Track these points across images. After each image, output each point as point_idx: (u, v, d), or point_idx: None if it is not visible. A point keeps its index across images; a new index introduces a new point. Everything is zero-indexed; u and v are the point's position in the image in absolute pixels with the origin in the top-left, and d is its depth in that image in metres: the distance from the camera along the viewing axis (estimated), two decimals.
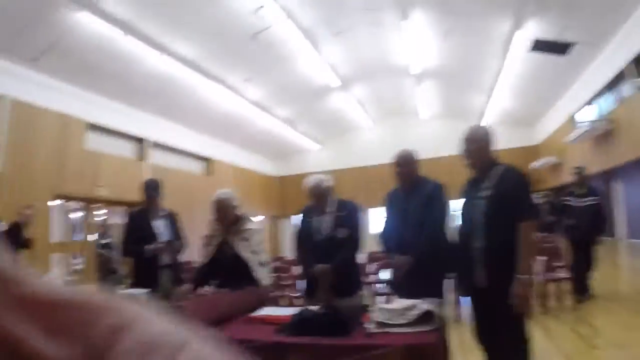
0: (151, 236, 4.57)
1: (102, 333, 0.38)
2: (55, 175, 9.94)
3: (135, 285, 4.23)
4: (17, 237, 5.68)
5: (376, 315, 2.54)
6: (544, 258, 7.30)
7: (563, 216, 7.22)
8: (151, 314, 0.41)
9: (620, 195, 15.84)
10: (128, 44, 10.09)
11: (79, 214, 12.04)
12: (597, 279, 7.15)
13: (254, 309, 3.12)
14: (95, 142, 11.52)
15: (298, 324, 2.52)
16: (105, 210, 12.79)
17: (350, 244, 3.83)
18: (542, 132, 19.40)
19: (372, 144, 20.31)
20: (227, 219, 3.84)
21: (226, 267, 3.66)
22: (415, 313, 2.44)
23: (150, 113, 13.52)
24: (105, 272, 10.13)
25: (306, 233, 3.97)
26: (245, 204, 4.10)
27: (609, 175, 15.53)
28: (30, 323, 0.38)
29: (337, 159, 20.84)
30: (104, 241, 10.72)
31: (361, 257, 7.70)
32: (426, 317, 2.44)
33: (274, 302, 4.93)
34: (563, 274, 6.97)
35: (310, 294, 3.82)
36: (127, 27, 9.59)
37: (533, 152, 19.55)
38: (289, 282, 7.70)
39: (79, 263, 11.02)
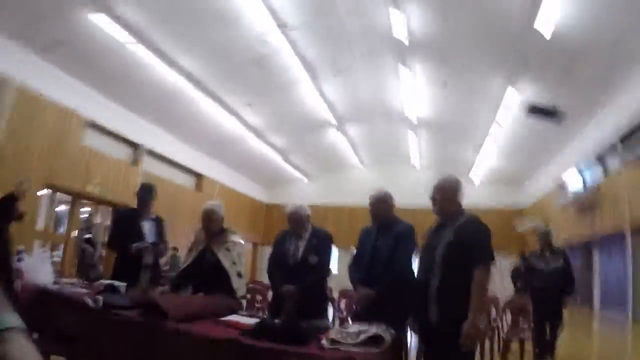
0: (138, 235, 4.82)
1: None
2: (49, 165, 10.12)
3: (115, 279, 4.43)
4: (11, 208, 5.81)
5: (332, 334, 2.75)
6: (510, 316, 7.56)
7: (529, 279, 7.29)
8: None
9: (596, 266, 16.10)
10: (138, 51, 10.48)
11: (66, 208, 12.18)
12: (564, 342, 7.24)
13: (223, 314, 3.33)
14: (92, 140, 11.75)
15: (259, 330, 2.74)
16: (91, 208, 12.96)
17: (319, 270, 4.08)
18: (530, 194, 19.80)
19: (360, 184, 20.23)
20: (213, 228, 4.10)
21: (206, 273, 3.90)
22: (366, 335, 2.66)
23: (149, 121, 13.82)
24: (85, 266, 10.27)
25: (280, 255, 4.23)
26: (230, 225, 4.37)
27: (588, 245, 15.85)
28: None
29: (325, 194, 21.13)
30: (86, 236, 10.87)
31: (332, 291, 7.96)
32: (376, 340, 2.66)
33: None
34: (527, 333, 7.07)
35: (276, 312, 4.03)
36: (139, 35, 9.98)
37: (518, 214, 19.89)
38: (263, 305, 7.85)
39: (58, 255, 11.11)
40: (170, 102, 13.11)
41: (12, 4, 8.49)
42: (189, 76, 12.03)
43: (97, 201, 12.59)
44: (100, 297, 3.32)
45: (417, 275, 3.46)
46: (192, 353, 2.75)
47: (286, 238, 4.28)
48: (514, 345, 7.48)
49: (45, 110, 10.05)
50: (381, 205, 4.07)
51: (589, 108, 12.26)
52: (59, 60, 10.11)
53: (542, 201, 17.96)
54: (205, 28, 10.51)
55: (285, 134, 17.26)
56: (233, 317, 3.33)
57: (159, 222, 5.17)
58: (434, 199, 3.47)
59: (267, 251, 20.89)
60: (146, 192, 5.11)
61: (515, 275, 12.36)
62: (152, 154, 14.48)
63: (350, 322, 4.47)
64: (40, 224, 10.68)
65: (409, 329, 3.96)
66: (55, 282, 4.21)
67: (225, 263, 3.91)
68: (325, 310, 4.19)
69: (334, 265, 14.16)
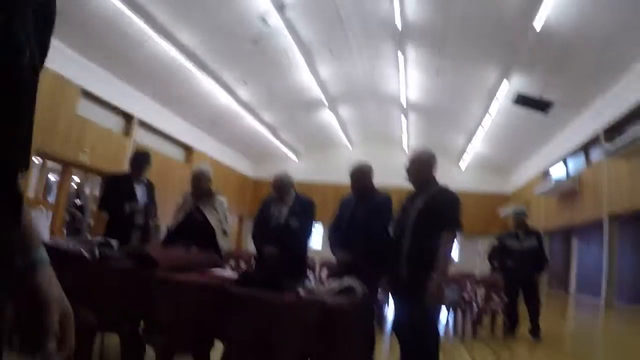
0: (131, 197, 5.07)
1: None
2: (42, 132, 10.20)
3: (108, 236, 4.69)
4: None
5: (308, 286, 3.05)
6: (483, 289, 7.95)
7: (503, 259, 7.50)
8: None
9: (574, 253, 16.57)
10: (136, 24, 10.56)
11: (57, 176, 12.32)
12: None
13: (209, 268, 3.62)
14: (86, 110, 11.84)
15: (242, 280, 3.03)
16: (81, 178, 13.12)
17: (301, 235, 4.37)
18: (515, 182, 20.26)
19: (348, 164, 20.20)
20: (202, 188, 4.38)
21: (194, 230, 4.18)
22: (338, 287, 2.96)
23: (143, 93, 13.93)
24: (73, 230, 10.48)
25: (264, 219, 4.51)
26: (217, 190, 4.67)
27: (568, 232, 16.33)
28: None
29: (312, 171, 21.32)
30: (76, 202, 11.05)
31: (314, 261, 8.29)
32: (347, 291, 2.96)
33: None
34: (499, 306, 7.44)
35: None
36: (138, 8, 10.09)
37: (503, 200, 20.38)
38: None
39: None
40: (166, 76, 13.24)
41: None
42: (186, 51, 12.15)
43: (88, 170, 12.73)
44: (96, 250, 3.57)
45: (392, 237, 3.75)
46: (181, 297, 3.03)
47: (271, 203, 4.56)
48: (487, 319, 7.91)
49: (40, 77, 10.12)
50: (361, 175, 4.35)
51: (577, 101, 12.59)
52: (56, 29, 10.12)
53: (526, 188, 18.41)
54: (205, 4, 10.63)
55: (277, 111, 17.44)
56: (218, 270, 3.61)
57: (150, 186, 5.43)
58: (408, 170, 3.77)
59: (252, 223, 21.10)
60: (142, 157, 5.37)
61: (491, 255, 12.71)
62: (144, 125, 14.62)
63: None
64: (31, 192, 10.82)
65: (382, 289, 4.27)
66: (50, 239, 4.43)
67: (213, 221, 4.21)
68: (305, 273, 4.48)
69: (318, 241, 14.49)
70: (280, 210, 4.45)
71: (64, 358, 0.82)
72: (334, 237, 4.37)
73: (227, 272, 3.57)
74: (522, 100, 12.55)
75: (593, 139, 13.06)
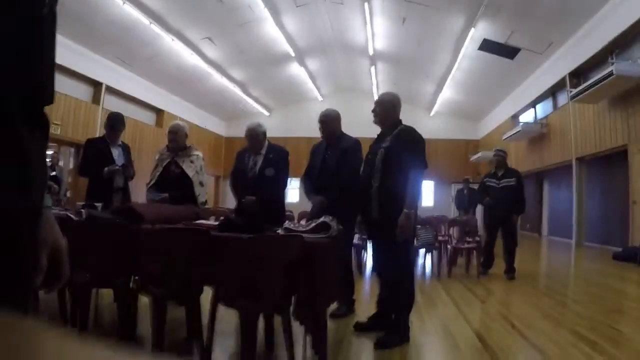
0: (109, 161, 5.18)
1: None
2: None
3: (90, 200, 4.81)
4: None
5: (285, 225, 3.25)
6: (457, 228, 8.29)
7: (483, 195, 7.56)
8: None
9: (545, 196, 17.10)
10: None
11: None
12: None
13: (191, 220, 3.79)
14: None
15: (224, 225, 3.22)
16: (54, 150, 13.05)
17: (276, 182, 4.56)
18: (485, 128, 20.62)
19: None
20: (178, 143, 4.54)
21: (172, 183, 4.35)
22: (314, 223, 3.17)
23: (108, 59, 13.81)
24: (51, 202, 10.47)
25: (241, 170, 4.68)
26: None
27: (539, 176, 16.79)
28: None
29: (285, 126, 21.41)
30: (51, 174, 11.03)
31: (292, 214, 8.48)
32: (323, 227, 3.17)
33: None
34: (472, 244, 7.74)
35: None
36: None
37: (474, 145, 20.79)
38: None
39: None
40: (130, 39, 13.09)
41: None
42: (148, 11, 12.02)
43: (60, 142, 12.70)
44: (83, 211, 3.71)
45: (361, 178, 3.95)
46: (168, 248, 3.19)
47: (245, 153, 4.73)
48: (461, 260, 8.26)
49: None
50: (328, 121, 4.54)
51: (542, 46, 12.79)
52: None
53: (495, 133, 18.77)
54: None
55: (245, 68, 17.38)
56: (201, 221, 3.80)
57: (126, 148, 5.55)
58: (374, 111, 3.96)
59: (228, 183, 21.22)
60: (116, 120, 5.47)
61: (459, 196, 13.10)
62: (112, 91, 14.55)
63: None
64: None
65: (358, 231, 4.51)
66: None
67: (190, 172, 4.39)
68: (284, 219, 4.67)
69: (295, 194, 14.65)
70: (255, 161, 4.62)
71: (58, 287, 0.94)
72: (308, 182, 4.60)
73: (210, 223, 3.75)
74: (489, 46, 12.74)
75: (559, 83, 13.35)
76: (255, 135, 4.60)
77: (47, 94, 0.85)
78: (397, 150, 3.66)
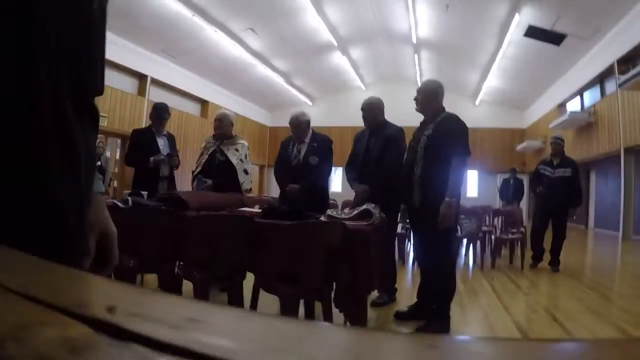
0: (155, 150, 5.30)
1: None
2: None
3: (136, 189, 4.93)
4: None
5: (328, 213, 3.27)
6: (501, 221, 8.17)
7: (537, 185, 7.26)
8: None
9: (592, 187, 16.60)
10: None
11: None
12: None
13: (236, 207, 3.85)
14: None
15: (267, 212, 3.26)
16: (101, 141, 13.38)
17: (320, 170, 4.58)
18: (530, 116, 20.14)
19: None
20: (224, 132, 4.62)
21: (217, 170, 4.44)
22: (356, 211, 3.17)
23: (153, 52, 14.07)
24: None
25: (285, 158, 4.72)
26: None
27: (586, 166, 16.31)
28: None
29: (329, 116, 21.45)
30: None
31: (336, 202, 8.49)
32: (365, 214, 3.17)
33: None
34: (516, 235, 7.58)
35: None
36: None
37: (519, 134, 20.34)
38: None
39: None
40: (174, 32, 13.29)
41: None
42: (190, 4, 12.17)
43: (108, 134, 13.06)
44: (129, 199, 3.81)
45: (404, 167, 3.93)
46: (212, 234, 3.26)
47: (289, 142, 4.77)
48: (505, 251, 8.13)
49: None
50: (371, 109, 4.53)
51: (589, 32, 12.36)
52: None
53: (541, 122, 18.30)
54: None
55: (288, 58, 17.38)
56: (245, 209, 3.85)
57: (171, 138, 5.67)
58: (416, 99, 3.93)
59: (272, 172, 21.37)
60: (161, 110, 5.59)
61: (504, 186, 12.80)
62: (157, 83, 14.84)
63: None
64: None
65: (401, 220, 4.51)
66: None
67: (234, 160, 4.46)
68: (327, 208, 4.68)
69: (339, 183, 14.66)
70: (299, 149, 4.65)
71: (109, 271, 0.97)
72: (351, 171, 4.60)
73: (254, 210, 3.80)
74: (534, 32, 12.41)
75: (607, 70, 12.90)
76: (299, 124, 4.63)
77: (97, 86, 0.88)
78: (440, 138, 3.63)
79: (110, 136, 13.50)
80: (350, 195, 4.64)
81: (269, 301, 3.68)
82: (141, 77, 14.22)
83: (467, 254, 8.19)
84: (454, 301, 3.84)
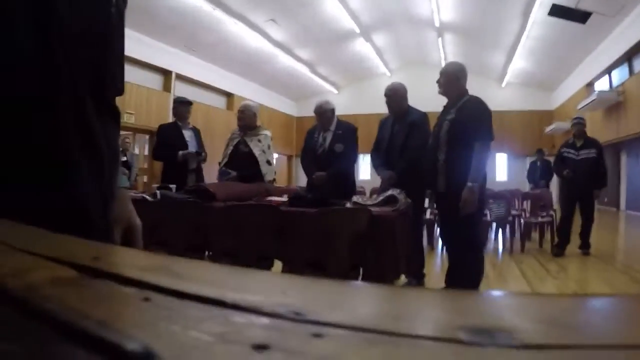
0: (182, 143, 5.36)
1: None
2: None
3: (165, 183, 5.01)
4: None
5: (354, 199, 3.28)
6: (530, 202, 8.07)
7: (561, 167, 7.04)
8: None
9: (623, 168, 16.23)
10: None
11: None
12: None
13: (263, 197, 3.90)
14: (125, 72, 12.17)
15: (294, 199, 3.29)
16: (128, 138, 13.60)
17: (346, 157, 4.59)
18: (558, 98, 19.75)
19: None
20: (247, 123, 4.66)
21: (241, 161, 4.48)
22: (382, 196, 3.18)
23: (176, 47, 14.19)
24: None
25: (310, 146, 4.74)
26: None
27: (616, 147, 15.95)
28: None
29: (355, 104, 21.31)
30: (122, 159, 11.47)
31: (364, 189, 8.52)
32: (391, 200, 3.18)
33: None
34: (545, 219, 7.50)
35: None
36: None
37: (548, 116, 19.99)
38: None
39: None
40: (195, 26, 13.37)
41: None
42: None
43: (135, 130, 13.25)
44: (158, 192, 3.89)
45: (428, 151, 3.92)
46: (240, 223, 3.31)
47: (315, 131, 4.79)
48: (535, 235, 8.03)
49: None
50: (395, 95, 4.51)
51: (614, 9, 12.03)
52: None
53: (569, 103, 17.95)
54: None
55: (311, 47, 17.34)
56: (271, 198, 3.89)
57: (196, 131, 5.73)
58: (439, 81, 3.90)
59: (299, 162, 21.39)
60: (180, 101, 5.67)
61: (532, 169, 12.54)
62: (182, 78, 14.99)
63: None
64: None
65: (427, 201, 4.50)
66: None
67: (256, 151, 4.50)
68: (353, 193, 4.69)
69: (367, 171, 14.62)
70: (325, 137, 4.67)
71: None
72: (376, 157, 4.61)
73: (280, 199, 3.83)
74: (558, 11, 12.17)
75: (635, 47, 12.56)
76: (324, 112, 4.64)
77: (117, 86, 0.93)
78: (462, 122, 3.60)
79: (138, 132, 13.69)
80: (379, 182, 4.64)
81: None
82: (166, 73, 14.37)
83: (496, 239, 8.12)
84: (483, 286, 3.83)
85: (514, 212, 7.81)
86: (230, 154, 4.74)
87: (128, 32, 0.93)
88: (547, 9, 12.40)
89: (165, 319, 0.25)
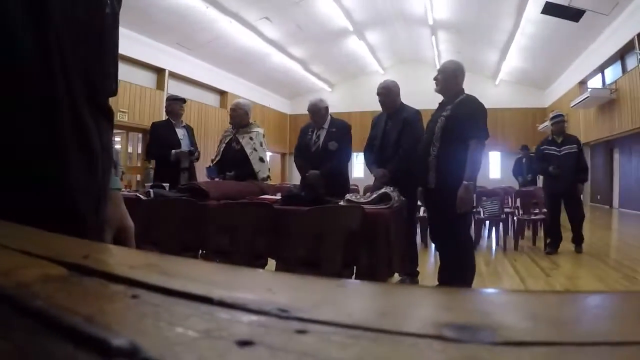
0: (175, 142, 5.36)
1: None
2: None
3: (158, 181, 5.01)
4: None
5: (347, 197, 3.29)
6: (523, 202, 8.08)
7: (544, 165, 6.96)
8: None
9: (616, 166, 16.27)
10: None
11: None
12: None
13: (256, 196, 3.89)
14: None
15: (287, 198, 3.29)
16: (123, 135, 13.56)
17: (339, 155, 4.59)
18: (552, 95, 19.84)
19: None
20: (239, 121, 4.65)
21: (233, 160, 4.48)
22: (375, 194, 3.18)
23: (169, 45, 14.14)
24: None
25: (304, 145, 4.74)
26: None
27: (609, 144, 16.01)
28: None
29: (349, 101, 21.31)
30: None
31: (358, 188, 8.52)
32: (384, 198, 3.18)
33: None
34: (539, 216, 7.49)
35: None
36: None
37: (541, 114, 20.05)
38: None
39: None
40: (189, 24, 13.33)
41: None
42: None
43: (129, 128, 13.21)
44: (151, 191, 3.88)
45: (420, 146, 3.93)
46: (233, 222, 3.30)
47: (309, 129, 4.79)
48: (528, 233, 8.05)
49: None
50: (388, 93, 4.53)
51: (608, 6, 12.06)
52: None
53: (563, 100, 18.01)
54: None
55: (305, 45, 17.33)
56: (264, 196, 3.89)
57: (190, 130, 5.72)
58: (436, 78, 3.91)
59: (293, 160, 21.38)
60: (173, 98, 5.66)
61: (517, 166, 12.49)
62: (175, 76, 14.95)
63: None
64: None
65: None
66: None
67: (247, 149, 4.49)
68: (346, 192, 4.69)
69: (360, 169, 14.65)
70: (319, 135, 4.66)
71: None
72: (370, 155, 4.63)
73: (273, 197, 3.83)
74: (552, 9, 12.19)
75: (628, 45, 12.61)
76: (318, 110, 4.64)
77: (111, 87, 0.93)
78: (458, 119, 3.61)
79: (131, 131, 13.65)
80: (372, 180, 4.65)
81: None
82: (159, 71, 14.33)
83: (489, 236, 8.15)
84: (476, 283, 3.84)
85: (507, 209, 7.84)
86: (223, 151, 4.74)
87: (121, 31, 0.94)
88: (541, 7, 12.42)
89: (152, 315, 0.25)
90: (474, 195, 3.74)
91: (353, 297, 0.33)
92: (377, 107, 4.68)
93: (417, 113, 4.50)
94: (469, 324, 0.24)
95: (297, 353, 0.20)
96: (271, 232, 3.19)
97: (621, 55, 13.63)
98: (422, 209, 6.08)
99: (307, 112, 4.72)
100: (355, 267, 3.10)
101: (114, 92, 0.93)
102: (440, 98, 3.94)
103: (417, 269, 4.64)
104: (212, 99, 17.46)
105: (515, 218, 7.81)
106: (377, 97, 4.56)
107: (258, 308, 0.26)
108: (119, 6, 0.91)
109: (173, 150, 5.32)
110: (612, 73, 14.73)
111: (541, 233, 7.28)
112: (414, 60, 20.63)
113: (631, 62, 13.07)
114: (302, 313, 0.25)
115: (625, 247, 8.20)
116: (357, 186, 8.56)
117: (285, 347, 0.21)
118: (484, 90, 16.80)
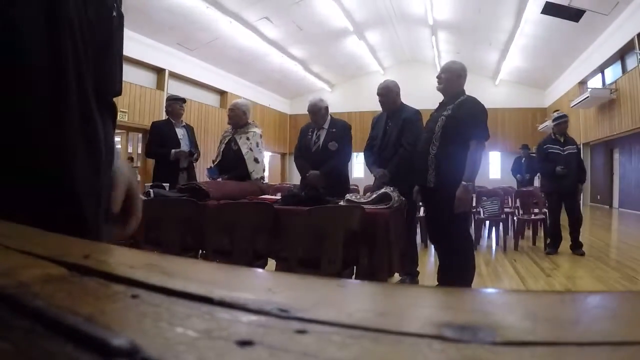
0: (175, 141, 5.36)
1: None
2: None
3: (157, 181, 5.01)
4: None
5: (347, 197, 3.29)
6: (523, 202, 8.07)
7: (549, 164, 6.80)
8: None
9: (616, 166, 16.25)
10: None
11: None
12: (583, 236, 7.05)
13: (256, 196, 3.90)
14: None
15: (287, 197, 3.29)
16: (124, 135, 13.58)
17: (339, 155, 4.59)
18: (552, 95, 19.84)
19: None
20: (237, 121, 4.65)
21: (231, 159, 4.48)
22: (375, 194, 3.19)
23: (169, 45, 14.13)
24: None
25: (304, 145, 4.74)
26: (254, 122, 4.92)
27: (609, 144, 16.00)
28: None
29: (349, 102, 21.35)
30: None
31: (358, 188, 8.52)
32: (384, 198, 3.18)
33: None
34: (539, 216, 7.49)
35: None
36: None
37: (541, 114, 20.06)
38: None
39: None
40: (189, 25, 13.32)
41: None
42: None
43: (128, 128, 13.21)
44: (151, 190, 3.88)
45: (419, 145, 3.93)
46: (233, 222, 3.30)
47: (309, 129, 4.79)
48: (527, 232, 8.05)
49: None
50: (388, 93, 4.53)
51: (608, 7, 12.05)
52: None
53: (563, 100, 18.00)
54: None
55: (305, 45, 17.32)
56: (264, 196, 3.89)
57: (190, 129, 5.72)
58: (439, 77, 3.91)
59: (293, 160, 21.40)
60: (174, 98, 5.67)
61: (516, 165, 12.45)
62: (175, 76, 14.94)
63: None
64: None
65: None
66: None
67: (243, 149, 4.49)
68: (346, 192, 4.69)
69: (360, 169, 14.68)
70: (319, 135, 4.67)
71: (135, 225, 1.00)
72: (370, 155, 4.63)
73: (273, 197, 3.83)
74: (552, 9, 12.19)
75: (628, 45, 12.61)
76: (318, 110, 4.64)
77: (116, 87, 0.94)
78: (458, 120, 3.61)
79: (131, 131, 13.67)
80: (372, 180, 4.66)
81: None
82: (159, 71, 14.33)
83: (489, 236, 8.14)
84: (476, 283, 3.84)
85: (507, 209, 7.84)
86: (223, 152, 4.74)
87: (124, 32, 0.95)
88: (541, 7, 12.42)
89: (152, 315, 0.25)
90: (474, 196, 3.73)
91: (353, 297, 0.33)
92: (377, 107, 4.68)
93: (417, 113, 4.51)
94: (469, 324, 0.24)
95: (297, 353, 0.20)
96: (271, 232, 3.19)
97: (621, 55, 13.63)
98: (422, 209, 6.07)
99: (307, 112, 4.72)
100: (355, 267, 3.10)
101: (119, 92, 0.95)
102: (440, 98, 3.94)
103: (417, 269, 4.65)
104: (212, 99, 17.46)
105: (515, 218, 7.82)
106: (377, 97, 4.56)
107: (258, 308, 0.26)
108: (120, 5, 0.93)
109: (173, 150, 5.33)
110: (612, 73, 14.73)
111: (541, 233, 7.28)
112: (414, 60, 20.64)
113: (631, 62, 13.07)
114: (302, 313, 0.25)
115: (625, 247, 8.18)
116: (357, 186, 8.56)
117: (285, 347, 0.21)
118: (484, 90, 16.83)
